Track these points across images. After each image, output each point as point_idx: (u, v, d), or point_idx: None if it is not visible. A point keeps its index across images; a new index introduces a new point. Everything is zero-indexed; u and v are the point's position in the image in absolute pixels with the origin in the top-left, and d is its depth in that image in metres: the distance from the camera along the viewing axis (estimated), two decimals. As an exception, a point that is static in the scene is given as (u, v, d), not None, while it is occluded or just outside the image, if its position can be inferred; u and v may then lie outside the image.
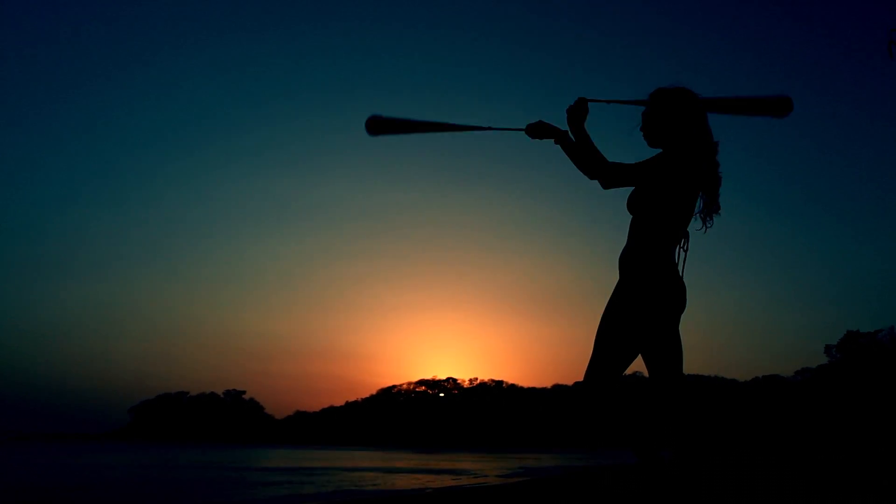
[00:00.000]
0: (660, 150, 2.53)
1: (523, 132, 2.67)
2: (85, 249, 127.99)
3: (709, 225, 2.52)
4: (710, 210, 2.52)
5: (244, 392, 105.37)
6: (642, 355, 2.43)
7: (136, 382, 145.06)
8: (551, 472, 17.43)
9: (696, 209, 2.50)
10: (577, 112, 2.58)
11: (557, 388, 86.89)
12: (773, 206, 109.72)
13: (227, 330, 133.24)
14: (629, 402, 2.37)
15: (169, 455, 32.61)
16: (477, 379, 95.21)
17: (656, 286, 2.37)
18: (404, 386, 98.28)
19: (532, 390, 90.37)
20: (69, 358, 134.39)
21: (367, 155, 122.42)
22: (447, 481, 14.03)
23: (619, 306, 2.41)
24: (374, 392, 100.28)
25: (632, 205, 2.53)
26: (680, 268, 2.45)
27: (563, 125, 2.62)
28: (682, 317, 2.46)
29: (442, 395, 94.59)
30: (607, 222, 70.60)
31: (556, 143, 2.63)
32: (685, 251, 2.48)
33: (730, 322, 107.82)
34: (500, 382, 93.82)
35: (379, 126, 2.84)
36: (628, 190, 2.57)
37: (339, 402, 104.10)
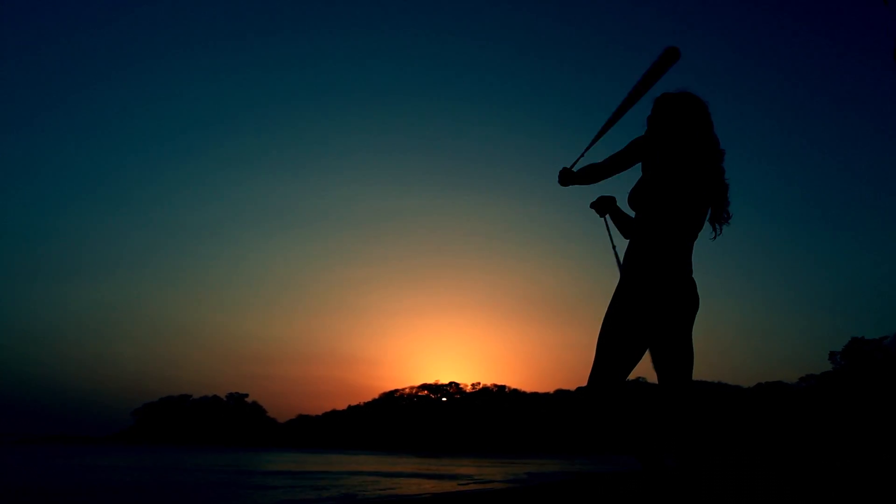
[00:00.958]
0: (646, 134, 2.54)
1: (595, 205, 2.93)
2: (89, 252, 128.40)
3: (718, 232, 2.50)
4: (719, 217, 2.50)
5: (247, 395, 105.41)
6: (652, 359, 2.39)
7: (139, 385, 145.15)
8: (556, 477, 17.37)
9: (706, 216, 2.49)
10: (602, 206, 2.87)
11: (560, 393, 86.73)
12: (777, 212, 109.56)
13: (229, 333, 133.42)
14: (633, 408, 2.34)
15: (172, 458, 32.59)
16: (479, 383, 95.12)
17: (662, 286, 2.33)
18: (407, 390, 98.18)
19: (534, 395, 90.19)
20: (72, 360, 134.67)
21: (370, 159, 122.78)
22: (445, 486, 14.00)
23: (620, 308, 2.37)
24: (376, 396, 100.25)
25: (634, 201, 2.50)
26: (688, 266, 2.40)
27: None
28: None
29: (444, 399, 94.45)
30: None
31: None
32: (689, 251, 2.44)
33: (733, 328, 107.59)
34: (502, 387, 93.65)
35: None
36: (628, 187, 2.57)
37: (342, 405, 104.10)
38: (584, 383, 2.40)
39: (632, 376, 2.41)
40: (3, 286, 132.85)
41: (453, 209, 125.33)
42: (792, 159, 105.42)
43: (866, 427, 44.00)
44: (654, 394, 2.37)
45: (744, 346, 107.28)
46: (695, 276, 2.43)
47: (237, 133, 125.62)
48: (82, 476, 16.36)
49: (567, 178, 2.80)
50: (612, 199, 2.83)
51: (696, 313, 2.38)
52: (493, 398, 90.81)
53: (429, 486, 13.84)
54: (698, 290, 2.42)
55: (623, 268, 2.45)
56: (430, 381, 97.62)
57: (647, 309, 2.32)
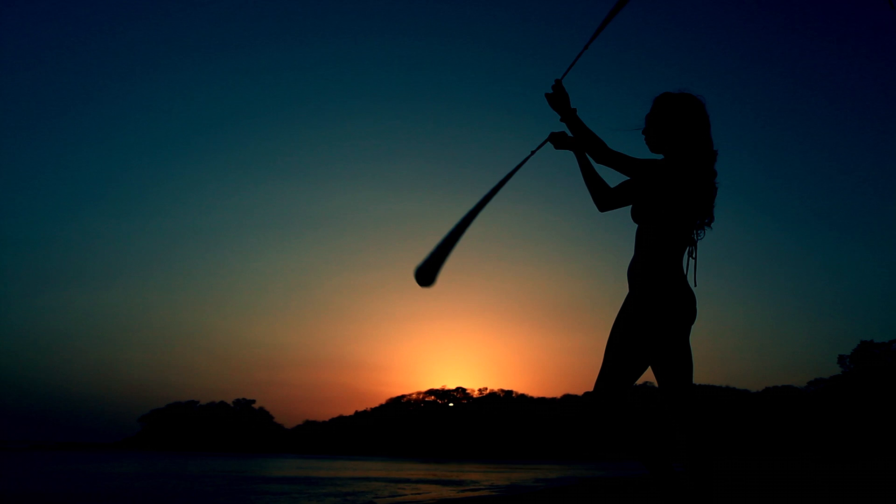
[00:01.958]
0: (659, 157, 2.52)
1: (550, 143, 2.76)
2: (94, 258, 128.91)
3: (700, 236, 2.48)
4: (704, 221, 2.48)
5: (254, 401, 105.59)
6: (652, 367, 2.41)
7: (146, 391, 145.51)
8: (564, 482, 17.32)
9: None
10: (556, 97, 2.62)
11: (567, 399, 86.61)
12: (785, 216, 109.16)
13: (236, 339, 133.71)
14: (639, 414, 2.35)
15: (179, 464, 32.66)
16: (486, 389, 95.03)
17: (665, 297, 2.35)
18: (414, 396, 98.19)
19: (542, 400, 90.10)
20: (79, 367, 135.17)
21: (377, 164, 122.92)
22: (445, 492, 13.97)
23: (628, 318, 2.39)
24: (383, 402, 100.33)
25: (636, 214, 2.52)
26: (690, 277, 2.43)
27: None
28: (693, 327, 2.44)
29: (451, 404, 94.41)
30: (618, 232, 70.45)
31: (575, 153, 2.75)
32: (694, 259, 2.45)
33: (741, 332, 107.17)
34: (509, 392, 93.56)
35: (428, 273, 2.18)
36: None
37: (349, 411, 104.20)
38: (591, 389, 2.41)
39: (639, 381, 2.42)
40: (10, 293, 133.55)
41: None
42: (802, 164, 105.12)
43: (876, 431, 43.72)
44: (659, 399, 2.38)
45: (752, 350, 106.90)
46: (703, 279, 2.45)
47: (243, 139, 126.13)
48: (91, 483, 16.40)
49: (563, 141, 2.73)
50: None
51: (693, 323, 2.41)
52: (501, 403, 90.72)
53: (432, 492, 13.82)
54: (700, 297, 2.46)
55: (631, 281, 2.45)
56: (438, 386, 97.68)
57: (653, 320, 2.34)
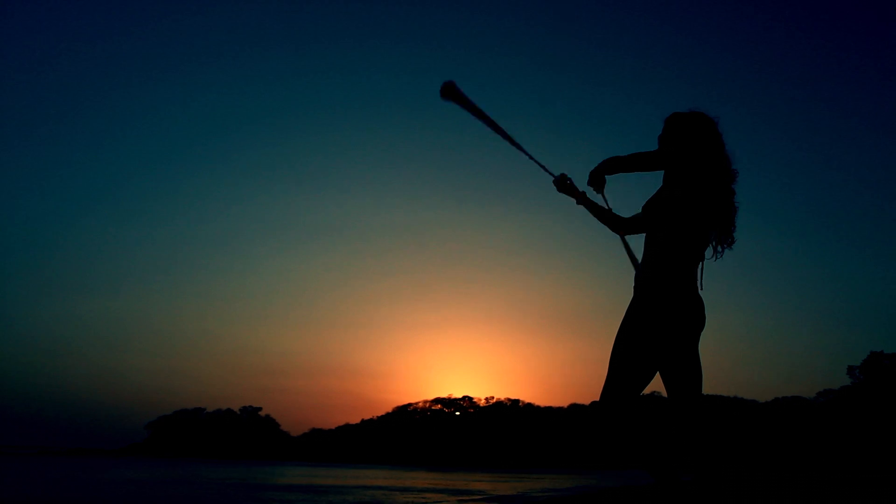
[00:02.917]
0: (668, 180, 2.51)
1: (552, 181, 2.82)
2: (101, 265, 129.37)
3: (719, 255, 2.45)
4: (723, 240, 2.47)
5: (260, 409, 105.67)
6: (661, 375, 2.39)
7: (153, 398, 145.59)
8: (571, 492, 17.24)
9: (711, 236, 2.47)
10: (563, 189, 2.76)
11: (574, 408, 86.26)
12: (794, 226, 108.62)
13: (243, 346, 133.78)
14: (646, 423, 2.34)
15: (185, 471, 32.68)
16: (493, 398, 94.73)
17: (672, 303, 2.32)
18: (420, 404, 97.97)
19: (548, 409, 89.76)
20: (85, 373, 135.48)
21: (384, 172, 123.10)
22: (452, 501, 13.92)
23: (635, 325, 2.37)
24: (389, 410, 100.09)
25: (648, 212, 2.51)
26: (699, 283, 2.41)
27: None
28: (702, 334, 2.42)
29: (458, 413, 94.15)
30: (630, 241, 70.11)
31: (577, 203, 2.79)
32: (701, 261, 2.43)
33: (749, 342, 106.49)
34: (516, 401, 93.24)
35: (452, 93, 2.93)
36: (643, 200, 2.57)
37: (355, 419, 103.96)
38: (598, 398, 2.40)
39: (646, 391, 2.41)
40: (16, 300, 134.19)
41: (467, 222, 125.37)
42: (810, 173, 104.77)
43: (886, 442, 43.34)
44: (668, 408, 2.37)
45: (760, 361, 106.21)
46: (711, 289, 2.44)
47: (249, 145, 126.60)
48: (97, 489, 16.44)
49: (564, 189, 2.78)
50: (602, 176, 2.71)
51: (702, 331, 2.39)
52: (507, 412, 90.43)
53: (441, 500, 13.78)
54: (707, 306, 2.42)
55: (637, 287, 2.44)
56: (444, 394, 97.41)
57: (659, 327, 2.32)
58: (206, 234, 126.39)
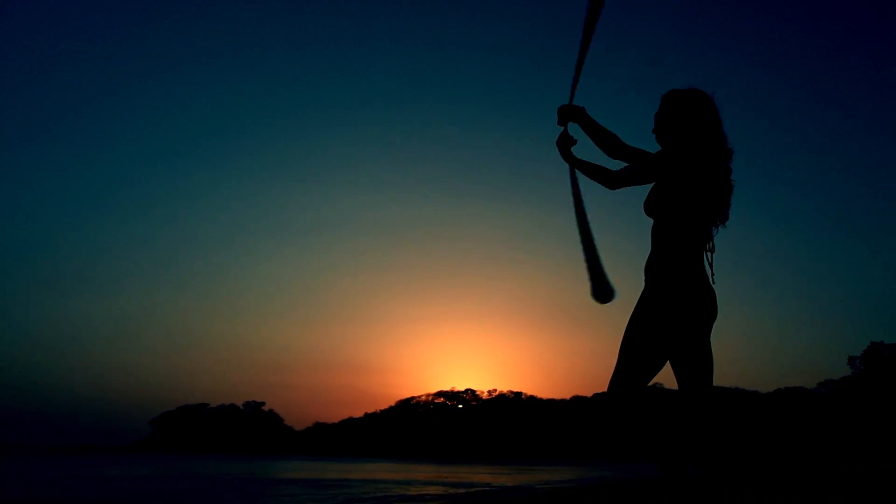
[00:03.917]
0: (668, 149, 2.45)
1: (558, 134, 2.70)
2: (105, 263, 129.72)
3: (715, 233, 2.40)
4: (721, 219, 2.40)
5: (264, 403, 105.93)
6: (672, 366, 2.35)
7: (157, 394, 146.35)
8: (574, 484, 17.28)
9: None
10: (563, 146, 2.66)
11: (576, 400, 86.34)
12: (795, 217, 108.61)
13: (246, 342, 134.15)
14: (652, 414, 2.33)
15: (189, 466, 32.77)
16: (496, 390, 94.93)
17: (686, 295, 2.29)
18: (423, 398, 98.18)
19: (551, 402, 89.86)
20: (90, 371, 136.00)
21: (386, 168, 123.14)
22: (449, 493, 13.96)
23: (646, 316, 2.35)
24: (392, 404, 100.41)
25: (649, 208, 2.45)
26: (709, 273, 2.36)
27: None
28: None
29: (461, 406, 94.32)
30: (627, 235, 70.15)
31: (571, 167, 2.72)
32: (711, 253, 2.37)
33: (751, 334, 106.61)
34: (518, 394, 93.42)
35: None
36: (644, 194, 2.51)
37: (359, 413, 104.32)
38: (601, 390, 2.39)
39: (651, 382, 2.40)
40: (20, 299, 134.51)
41: (470, 217, 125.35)
42: (812, 167, 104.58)
43: (887, 432, 43.38)
44: (673, 400, 2.36)
45: (762, 352, 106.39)
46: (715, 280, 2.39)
47: (253, 142, 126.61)
48: (103, 485, 16.50)
49: (569, 115, 2.58)
50: (581, 110, 2.56)
51: (714, 321, 2.35)
52: (510, 405, 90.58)
53: (435, 493, 13.81)
54: (717, 297, 2.39)
55: (648, 278, 2.42)
56: (447, 388, 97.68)
57: (675, 318, 2.29)
58: (208, 232, 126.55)
